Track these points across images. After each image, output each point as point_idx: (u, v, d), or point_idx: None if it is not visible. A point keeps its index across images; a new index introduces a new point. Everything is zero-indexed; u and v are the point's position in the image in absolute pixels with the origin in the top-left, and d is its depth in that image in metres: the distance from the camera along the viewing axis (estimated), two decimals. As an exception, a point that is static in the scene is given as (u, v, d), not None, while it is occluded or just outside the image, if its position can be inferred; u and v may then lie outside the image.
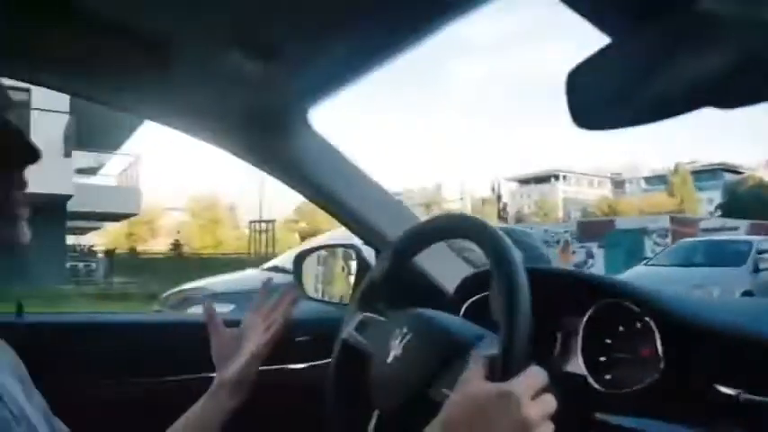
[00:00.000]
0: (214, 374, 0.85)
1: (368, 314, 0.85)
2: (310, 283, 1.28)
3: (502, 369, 0.56)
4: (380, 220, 1.04)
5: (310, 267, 1.27)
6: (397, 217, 1.06)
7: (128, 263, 17.72)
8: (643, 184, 55.67)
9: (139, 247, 24.94)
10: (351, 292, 1.23)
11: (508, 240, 0.64)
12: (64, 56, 0.72)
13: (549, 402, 0.55)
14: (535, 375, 0.55)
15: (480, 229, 0.68)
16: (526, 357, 0.56)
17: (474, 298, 0.99)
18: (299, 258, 1.28)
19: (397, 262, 0.85)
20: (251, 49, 0.63)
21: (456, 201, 47.26)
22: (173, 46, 0.66)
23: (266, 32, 0.61)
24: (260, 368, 0.85)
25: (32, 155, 0.47)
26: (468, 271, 1.06)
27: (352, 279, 1.23)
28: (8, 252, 0.48)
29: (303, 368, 1.21)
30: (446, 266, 1.06)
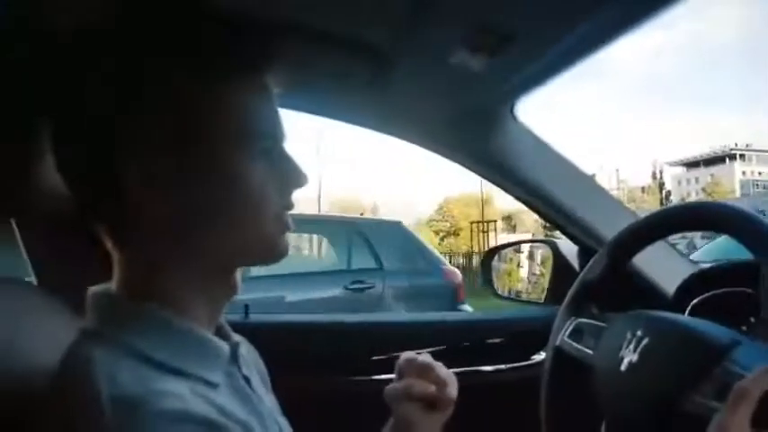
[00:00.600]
0: None
1: (582, 319, 0.80)
2: (499, 281, 1.25)
3: None
4: (593, 217, 0.97)
5: (499, 265, 1.25)
6: (611, 213, 0.98)
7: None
8: None
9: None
10: (546, 291, 1.19)
11: None
12: (287, 75, 0.78)
13: None
14: None
15: (734, 216, 0.60)
16: None
17: (700, 298, 0.89)
18: (488, 256, 1.26)
19: (616, 262, 0.78)
20: (477, 45, 0.62)
21: (612, 190, 43.88)
22: (395, 53, 0.68)
23: (498, 26, 0.60)
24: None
25: (304, 179, 0.51)
26: (688, 268, 0.95)
27: (546, 277, 1.18)
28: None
29: (494, 371, 1.16)
30: (661, 264, 0.97)
